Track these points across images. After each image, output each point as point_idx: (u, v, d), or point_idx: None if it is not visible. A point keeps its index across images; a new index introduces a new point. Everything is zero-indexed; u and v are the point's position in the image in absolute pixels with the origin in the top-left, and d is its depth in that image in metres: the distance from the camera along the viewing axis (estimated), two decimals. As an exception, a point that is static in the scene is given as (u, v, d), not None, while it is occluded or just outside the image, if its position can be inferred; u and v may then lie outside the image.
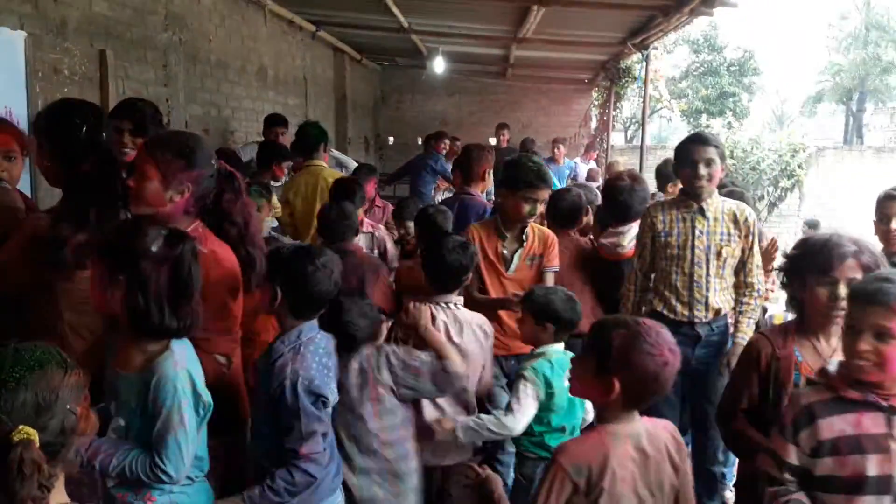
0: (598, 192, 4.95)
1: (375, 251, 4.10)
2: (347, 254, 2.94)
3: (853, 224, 3.11)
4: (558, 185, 6.29)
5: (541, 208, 3.31)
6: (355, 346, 2.45)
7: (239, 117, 6.61)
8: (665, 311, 3.21)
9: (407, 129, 13.11)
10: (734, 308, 3.23)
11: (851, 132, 31.93)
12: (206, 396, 1.87)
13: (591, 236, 4.02)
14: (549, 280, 3.35)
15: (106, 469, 1.79)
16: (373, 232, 4.21)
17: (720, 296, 3.18)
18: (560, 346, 2.77)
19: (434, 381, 2.48)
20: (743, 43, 34.49)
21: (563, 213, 3.76)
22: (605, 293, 3.63)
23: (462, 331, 2.75)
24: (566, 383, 2.55)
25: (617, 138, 18.40)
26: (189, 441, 1.81)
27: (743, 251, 3.18)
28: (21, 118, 3.28)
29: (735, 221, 3.17)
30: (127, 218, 2.19)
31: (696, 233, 3.15)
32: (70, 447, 1.33)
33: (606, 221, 3.83)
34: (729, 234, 3.15)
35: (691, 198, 3.18)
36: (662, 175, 4.97)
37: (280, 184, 5.14)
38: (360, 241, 3.85)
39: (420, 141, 8.91)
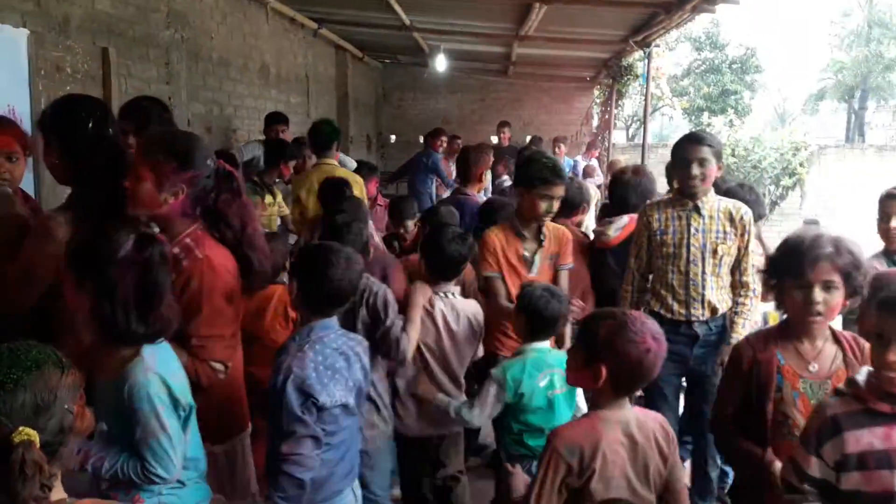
0: (593, 189, 4.99)
1: None
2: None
3: (855, 222, 3.10)
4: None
5: (556, 206, 3.24)
6: None
7: (241, 115, 6.61)
8: (662, 311, 3.21)
9: (409, 128, 13.11)
10: (731, 308, 3.22)
11: (853, 130, 31.90)
12: (185, 398, 1.84)
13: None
14: (564, 279, 3.32)
15: (99, 472, 1.79)
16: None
17: (717, 294, 3.17)
18: (544, 344, 2.75)
19: (382, 341, 2.63)
20: (745, 40, 34.43)
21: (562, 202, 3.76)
22: (594, 281, 3.73)
23: (458, 319, 2.93)
24: (543, 383, 2.65)
25: (618, 136, 18.39)
26: (174, 442, 1.80)
27: (739, 250, 3.17)
28: (24, 116, 3.29)
29: (731, 220, 3.16)
30: (97, 221, 2.15)
31: (692, 231, 3.15)
32: (68, 446, 1.34)
33: (606, 213, 3.93)
34: (725, 232, 3.15)
35: (686, 196, 3.18)
36: (669, 172, 4.99)
37: (283, 181, 5.17)
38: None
39: (422, 139, 8.92)
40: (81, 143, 2.26)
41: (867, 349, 2.06)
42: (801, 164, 15.51)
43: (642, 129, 9.74)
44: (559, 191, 3.20)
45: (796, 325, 2.18)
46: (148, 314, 1.79)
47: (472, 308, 2.99)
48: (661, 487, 1.94)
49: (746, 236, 3.17)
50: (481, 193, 5.13)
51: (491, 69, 12.77)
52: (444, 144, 8.47)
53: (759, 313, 3.39)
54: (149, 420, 1.76)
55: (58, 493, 1.34)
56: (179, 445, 1.82)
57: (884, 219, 3.16)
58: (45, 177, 3.32)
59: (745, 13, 41.07)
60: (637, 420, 1.94)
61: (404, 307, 2.83)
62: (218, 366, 2.10)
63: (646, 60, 8.91)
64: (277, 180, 5.16)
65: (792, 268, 2.12)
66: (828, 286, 2.07)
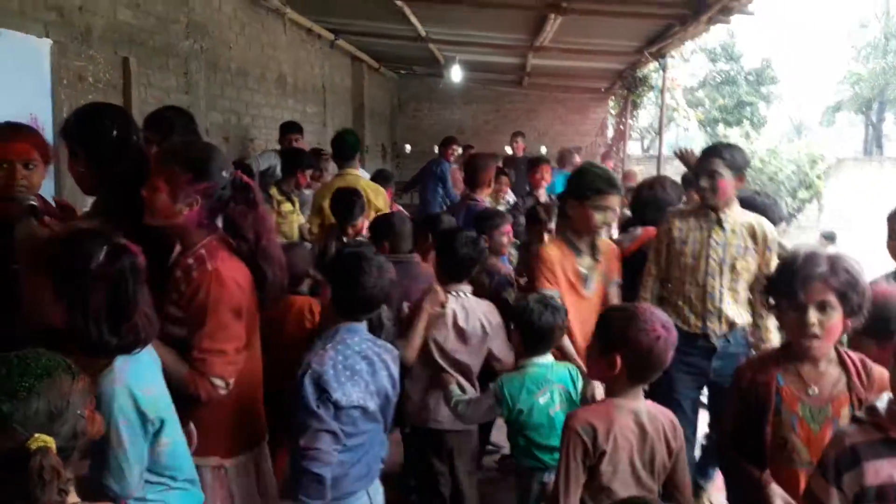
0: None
1: None
2: (410, 262, 3.37)
3: (872, 235, 3.07)
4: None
5: (612, 217, 3.11)
6: None
7: (258, 125, 6.67)
8: (679, 323, 3.18)
9: (424, 138, 13.16)
10: (753, 322, 3.16)
11: (871, 142, 31.64)
12: (155, 413, 1.80)
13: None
14: (614, 294, 3.20)
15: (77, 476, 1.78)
16: None
17: (734, 308, 3.13)
18: (545, 358, 2.70)
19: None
20: (761, 52, 34.37)
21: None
22: None
23: (468, 317, 2.97)
24: (542, 399, 2.62)
25: (633, 147, 18.38)
26: (130, 460, 1.75)
27: (759, 267, 3.12)
28: (46, 125, 3.33)
29: (753, 235, 3.12)
30: (71, 231, 2.15)
31: (712, 243, 3.12)
32: (80, 450, 1.36)
33: (630, 225, 3.91)
34: (745, 248, 3.10)
35: (709, 208, 3.17)
36: (684, 182, 4.99)
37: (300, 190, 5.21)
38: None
39: (436, 149, 8.96)
40: (107, 151, 2.27)
41: (876, 374, 2.03)
42: (818, 177, 15.42)
43: (657, 141, 9.72)
44: (614, 201, 3.07)
45: (796, 347, 2.09)
46: (120, 326, 1.74)
47: (483, 308, 3.04)
48: (665, 478, 2.08)
49: (768, 253, 3.10)
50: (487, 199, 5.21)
51: (506, 80, 12.82)
52: (456, 153, 8.50)
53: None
54: (110, 433, 1.71)
55: (71, 497, 1.35)
56: (137, 463, 1.78)
57: (893, 237, 3.10)
58: (65, 184, 3.37)
59: (761, 25, 40.96)
60: (649, 412, 2.06)
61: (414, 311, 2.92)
62: (218, 381, 2.05)
63: (661, 71, 8.91)
64: (295, 189, 5.20)
65: (786, 288, 2.05)
66: (823, 307, 1.99)
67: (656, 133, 11.50)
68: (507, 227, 4.12)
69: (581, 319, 3.01)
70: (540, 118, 13.39)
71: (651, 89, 10.97)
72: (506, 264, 4.29)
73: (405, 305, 3.06)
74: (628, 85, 10.99)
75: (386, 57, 11.22)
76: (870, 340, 2.24)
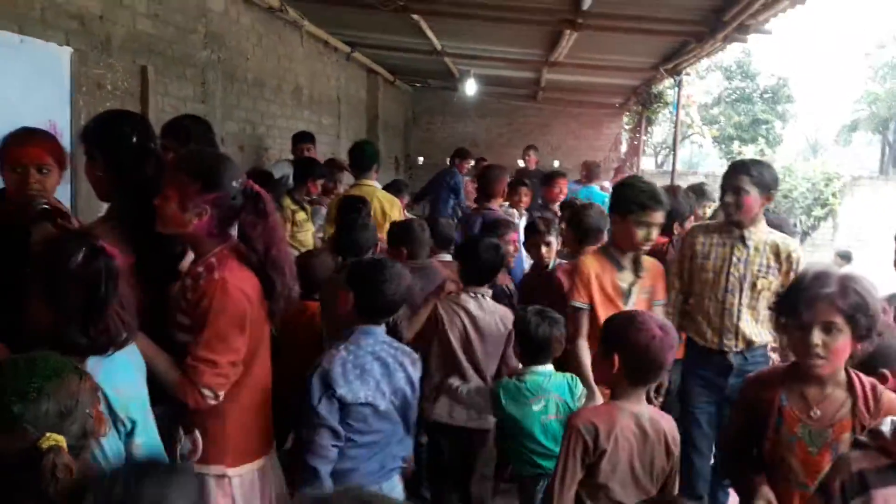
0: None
1: None
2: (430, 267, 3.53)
3: (888, 254, 3.03)
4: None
5: (655, 234, 3.01)
6: None
7: (273, 135, 6.72)
8: (696, 338, 3.17)
9: (437, 150, 13.19)
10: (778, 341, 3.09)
11: (887, 162, 31.38)
12: (125, 413, 1.80)
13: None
14: (660, 315, 2.98)
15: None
16: None
17: (752, 327, 3.10)
18: (545, 367, 2.75)
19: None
20: (777, 70, 34.26)
21: (586, 228, 3.74)
22: None
23: (485, 318, 3.09)
24: (537, 407, 2.68)
25: (647, 163, 18.34)
26: (107, 456, 1.75)
27: (782, 287, 3.03)
28: (64, 131, 3.37)
29: (777, 254, 3.09)
30: (142, 234, 2.14)
31: (734, 260, 3.10)
32: (88, 449, 1.37)
33: None
34: (768, 267, 3.08)
35: (734, 224, 3.13)
36: (693, 194, 4.97)
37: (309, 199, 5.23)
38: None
39: (449, 161, 8.99)
40: (126, 157, 2.29)
41: (885, 400, 1.98)
42: (833, 195, 15.32)
43: (672, 157, 9.71)
44: (658, 217, 2.97)
45: (803, 367, 2.04)
46: (90, 326, 1.75)
47: (501, 312, 3.16)
48: (662, 481, 2.13)
49: (792, 274, 3.04)
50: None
51: (520, 94, 12.85)
52: (469, 166, 8.55)
53: None
54: None
55: None
56: (112, 460, 1.77)
57: None
58: (81, 190, 3.40)
59: (778, 43, 40.93)
60: (650, 416, 2.12)
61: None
62: (206, 392, 2.03)
63: (676, 88, 8.91)
64: (306, 198, 5.23)
65: (791, 307, 2.01)
66: (828, 328, 1.93)
67: (670, 149, 11.45)
68: (513, 236, 4.15)
69: None
70: (553, 133, 13.40)
71: (666, 106, 10.95)
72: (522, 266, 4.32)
73: None
74: (643, 101, 11.00)
75: (401, 70, 11.29)
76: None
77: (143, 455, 1.86)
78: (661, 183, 6.35)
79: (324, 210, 5.18)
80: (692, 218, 4.43)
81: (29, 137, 2.51)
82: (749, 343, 3.11)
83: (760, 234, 3.12)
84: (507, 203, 5.51)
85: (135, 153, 2.31)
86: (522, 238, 4.42)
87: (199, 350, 2.01)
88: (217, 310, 2.01)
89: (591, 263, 3.06)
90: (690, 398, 3.24)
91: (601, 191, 8.19)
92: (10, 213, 2.42)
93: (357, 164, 4.95)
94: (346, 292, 2.41)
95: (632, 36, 6.92)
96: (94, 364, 1.76)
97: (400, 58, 9.85)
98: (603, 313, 2.89)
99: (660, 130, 17.34)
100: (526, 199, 5.67)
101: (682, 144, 20.72)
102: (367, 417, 2.32)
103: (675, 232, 4.01)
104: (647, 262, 3.12)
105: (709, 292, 3.15)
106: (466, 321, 3.08)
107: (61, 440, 1.28)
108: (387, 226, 4.45)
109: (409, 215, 5.96)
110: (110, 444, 1.76)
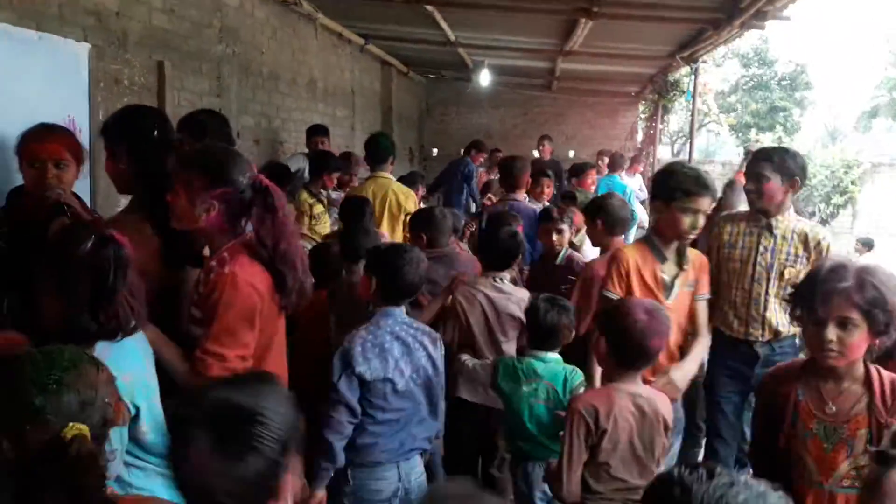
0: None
1: None
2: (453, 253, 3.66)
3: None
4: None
5: (702, 221, 2.86)
6: None
7: (288, 128, 6.73)
8: (722, 328, 3.14)
9: (451, 142, 13.18)
10: None
11: (908, 149, 30.96)
12: (128, 398, 1.80)
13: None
14: (703, 311, 2.99)
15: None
16: None
17: (780, 317, 3.07)
18: (548, 354, 2.78)
19: None
20: (794, 57, 33.83)
21: (615, 218, 3.70)
22: None
23: (503, 302, 3.17)
24: (526, 388, 2.73)
25: (664, 152, 18.20)
26: (111, 440, 1.77)
27: None
28: (83, 126, 3.40)
29: (805, 243, 3.05)
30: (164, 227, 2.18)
31: (761, 249, 3.07)
32: (108, 438, 1.39)
33: None
34: (796, 256, 3.04)
35: (760, 213, 3.10)
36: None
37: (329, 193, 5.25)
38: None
39: (463, 151, 8.99)
40: (149, 150, 2.32)
41: None
42: (852, 182, 15.15)
43: (688, 145, 9.63)
44: (705, 203, 2.81)
45: (819, 362, 2.00)
46: (99, 312, 1.79)
47: (520, 294, 3.24)
48: (661, 456, 2.24)
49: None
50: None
51: (534, 84, 12.78)
52: (483, 157, 8.55)
53: None
54: None
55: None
56: (116, 443, 1.79)
57: None
58: (100, 186, 3.43)
59: (795, 30, 40.39)
60: (647, 397, 2.24)
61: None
62: None
63: (692, 76, 8.82)
64: (322, 191, 5.25)
65: (806, 301, 1.96)
66: (844, 323, 1.88)
67: (687, 138, 11.36)
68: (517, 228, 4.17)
69: None
70: (568, 122, 13.33)
71: (682, 94, 10.85)
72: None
73: None
74: (659, 89, 10.90)
75: (415, 61, 11.26)
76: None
77: (149, 440, 1.89)
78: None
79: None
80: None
81: (46, 133, 2.54)
82: (776, 333, 3.08)
83: (788, 222, 3.09)
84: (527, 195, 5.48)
85: (158, 146, 2.34)
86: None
87: (207, 343, 2.02)
88: (226, 304, 2.01)
89: (632, 254, 2.91)
90: (716, 387, 3.23)
91: (621, 181, 8.16)
92: (28, 209, 2.46)
93: (372, 156, 4.97)
94: (369, 277, 2.57)
95: (647, 24, 6.86)
96: (102, 349, 1.80)
97: (413, 49, 9.83)
98: None
99: (676, 119, 17.17)
100: (548, 191, 5.63)
101: (699, 133, 20.52)
102: (387, 395, 2.46)
103: None
104: (692, 253, 2.97)
105: (735, 282, 3.12)
106: (486, 305, 3.17)
107: (85, 429, 1.30)
108: (402, 217, 4.47)
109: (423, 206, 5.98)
110: (113, 431, 1.79)
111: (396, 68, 10.80)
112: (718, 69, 24.46)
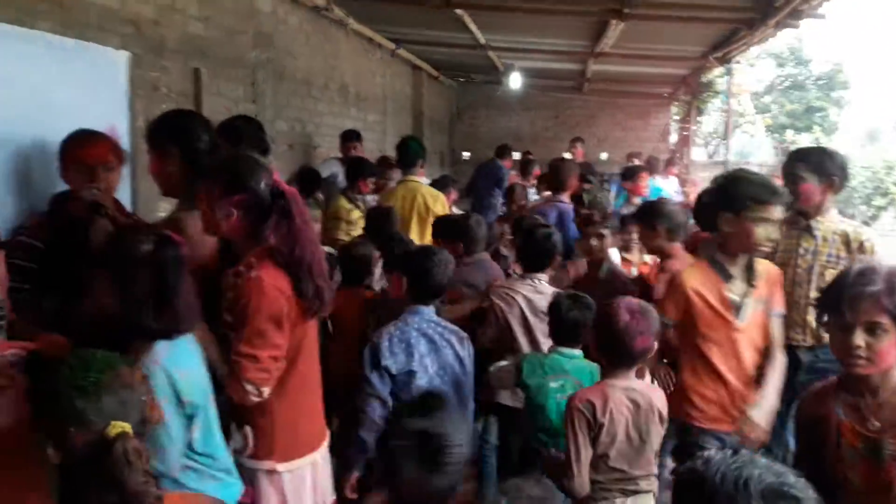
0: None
1: None
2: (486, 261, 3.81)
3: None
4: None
5: (776, 232, 2.64)
6: None
7: (322, 133, 6.80)
8: None
9: (481, 145, 13.19)
10: None
11: (952, 148, 30.14)
12: (191, 397, 1.87)
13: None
14: (777, 328, 2.72)
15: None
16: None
17: None
18: (572, 350, 2.81)
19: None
20: (831, 56, 33.14)
21: (676, 224, 3.56)
22: None
23: (540, 302, 3.16)
24: (554, 384, 2.76)
25: (698, 154, 17.98)
26: (173, 436, 1.82)
27: None
28: (123, 134, 3.47)
29: (847, 244, 2.97)
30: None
31: (801, 251, 3.01)
32: (146, 436, 1.42)
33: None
34: (838, 257, 2.97)
35: (800, 215, 3.04)
36: None
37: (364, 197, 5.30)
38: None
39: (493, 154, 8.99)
40: (201, 151, 2.40)
41: None
42: (894, 184, 14.77)
43: (723, 147, 9.50)
44: (778, 212, 2.58)
45: (849, 374, 1.89)
46: (161, 311, 1.84)
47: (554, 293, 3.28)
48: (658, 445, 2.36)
49: None
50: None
51: (565, 86, 12.73)
52: (513, 160, 8.57)
53: None
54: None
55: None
56: (178, 440, 1.85)
57: None
58: (140, 189, 3.50)
59: (831, 28, 39.57)
60: (640, 391, 2.35)
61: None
62: (249, 387, 2.06)
63: (726, 76, 8.71)
64: (358, 196, 5.30)
65: (833, 306, 1.85)
66: (872, 329, 1.77)
67: (721, 139, 11.21)
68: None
69: (733, 354, 2.62)
70: (599, 124, 13.25)
71: (716, 95, 10.72)
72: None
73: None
74: (692, 90, 10.77)
75: (445, 65, 11.30)
76: None
77: (202, 439, 1.93)
78: (713, 174, 6.25)
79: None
80: None
81: (92, 138, 2.62)
82: (818, 338, 2.99)
83: (829, 223, 3.02)
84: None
85: (208, 148, 2.42)
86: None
87: (240, 346, 2.06)
88: (254, 307, 2.05)
89: (691, 277, 2.68)
90: None
91: (657, 184, 8.07)
92: (71, 213, 2.52)
93: (403, 159, 5.03)
94: (399, 277, 2.69)
95: (680, 24, 6.79)
96: (161, 347, 1.85)
97: (444, 53, 9.86)
98: (714, 334, 2.62)
99: (709, 120, 16.95)
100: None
101: (734, 134, 20.22)
102: (412, 390, 2.55)
103: None
104: (762, 266, 2.69)
105: None
106: (524, 305, 3.20)
107: (127, 427, 1.33)
108: (430, 220, 4.50)
109: (456, 210, 6.00)
110: (175, 426, 1.84)
111: (427, 72, 10.85)
112: (752, 69, 24.09)
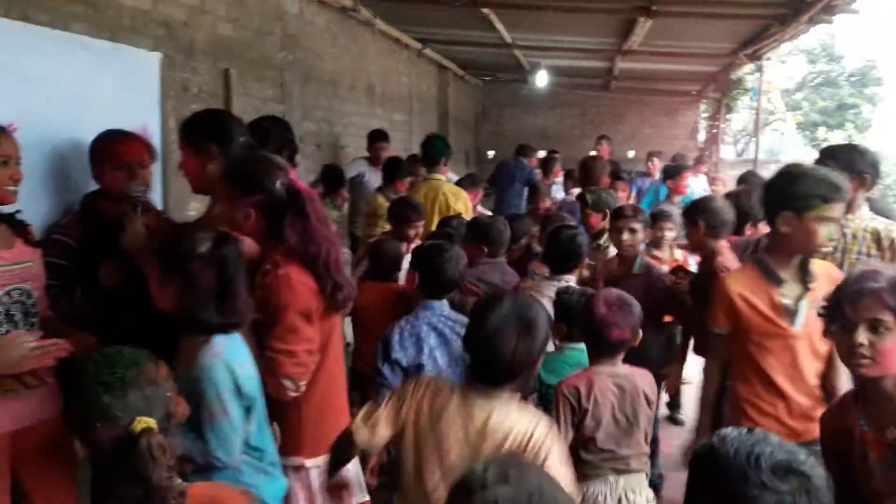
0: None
1: None
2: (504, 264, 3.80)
3: None
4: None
5: (837, 231, 2.48)
6: None
7: (349, 133, 6.84)
8: None
9: (506, 143, 13.08)
10: None
11: None
12: (249, 389, 1.91)
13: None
14: None
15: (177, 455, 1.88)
16: None
17: None
18: (582, 345, 2.76)
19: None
20: (864, 52, 32.49)
21: (722, 220, 3.45)
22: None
23: None
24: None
25: (727, 152, 17.73)
26: (237, 427, 1.87)
27: None
28: (155, 134, 3.52)
29: (878, 242, 2.89)
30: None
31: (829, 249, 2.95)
32: (172, 431, 1.44)
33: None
34: (868, 255, 2.89)
35: None
36: None
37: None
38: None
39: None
40: (238, 148, 2.44)
41: None
42: (929, 182, 14.44)
43: (752, 145, 9.37)
44: (840, 210, 2.39)
45: (862, 382, 1.83)
46: (223, 306, 1.90)
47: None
48: (647, 427, 2.45)
49: None
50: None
51: (592, 84, 12.65)
52: (538, 158, 8.55)
53: None
54: (213, 403, 1.84)
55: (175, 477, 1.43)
56: (240, 432, 1.89)
57: None
58: (172, 189, 3.55)
59: (865, 23, 38.78)
60: (627, 376, 2.43)
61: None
62: (287, 382, 2.09)
63: (756, 73, 8.58)
64: (393, 195, 5.34)
65: (835, 306, 1.80)
66: (874, 326, 1.73)
67: (751, 137, 11.03)
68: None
69: (791, 363, 2.44)
70: (627, 122, 13.13)
71: (746, 92, 10.56)
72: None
73: None
74: (722, 87, 10.63)
75: (471, 64, 11.29)
76: None
77: (255, 433, 1.97)
78: (741, 172, 6.17)
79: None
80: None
81: (126, 136, 2.66)
82: None
83: (859, 221, 2.94)
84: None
85: (245, 146, 2.47)
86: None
87: (275, 343, 2.09)
88: (284, 304, 2.09)
89: (735, 282, 2.52)
90: None
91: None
92: (105, 212, 2.57)
93: (426, 157, 5.08)
94: (413, 272, 2.75)
95: (710, 21, 6.72)
96: (220, 340, 1.91)
97: (470, 52, 9.85)
98: (766, 342, 2.46)
99: (739, 118, 16.70)
100: (622, 195, 5.56)
101: (764, 132, 19.89)
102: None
103: (747, 234, 3.76)
104: (818, 267, 2.48)
105: None
106: (548, 306, 3.12)
107: (152, 422, 1.36)
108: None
109: (481, 208, 6.00)
110: (238, 418, 1.89)
111: (453, 72, 10.85)
112: (783, 66, 23.70)
